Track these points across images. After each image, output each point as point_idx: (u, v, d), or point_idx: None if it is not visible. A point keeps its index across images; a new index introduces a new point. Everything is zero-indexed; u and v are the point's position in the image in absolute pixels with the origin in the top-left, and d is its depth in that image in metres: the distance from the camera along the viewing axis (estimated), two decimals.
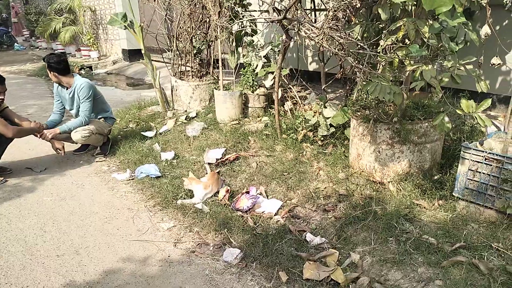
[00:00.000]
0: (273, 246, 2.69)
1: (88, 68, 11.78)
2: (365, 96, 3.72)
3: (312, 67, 6.30)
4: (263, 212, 3.15)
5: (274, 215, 3.11)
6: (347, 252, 2.59)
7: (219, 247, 2.79)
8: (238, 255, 2.65)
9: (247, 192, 3.43)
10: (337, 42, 3.13)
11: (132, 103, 6.49)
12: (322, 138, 4.28)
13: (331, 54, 4.64)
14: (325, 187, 3.31)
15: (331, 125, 4.35)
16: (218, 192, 3.45)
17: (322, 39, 3.18)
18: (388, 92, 2.72)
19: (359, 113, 3.45)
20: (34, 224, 3.14)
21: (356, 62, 3.12)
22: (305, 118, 4.45)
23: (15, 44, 19.27)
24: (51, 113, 4.82)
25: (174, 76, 6.03)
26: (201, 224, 3.04)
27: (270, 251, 2.64)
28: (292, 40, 3.96)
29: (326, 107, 4.44)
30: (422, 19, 2.71)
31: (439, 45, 2.64)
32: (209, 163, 4.10)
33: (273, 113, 5.11)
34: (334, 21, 2.94)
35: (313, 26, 3.06)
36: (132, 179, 3.98)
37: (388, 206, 2.90)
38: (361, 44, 2.91)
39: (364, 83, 2.98)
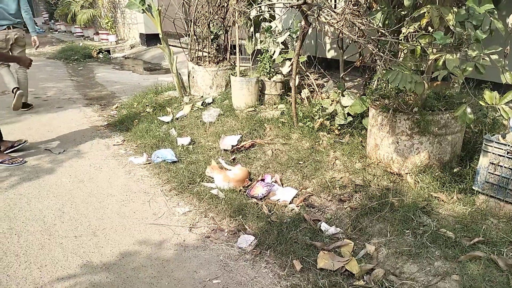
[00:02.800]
0: (287, 234, 2.69)
1: (106, 52, 11.85)
2: (384, 85, 3.66)
3: (330, 54, 6.21)
4: (278, 200, 3.14)
5: (289, 204, 3.10)
6: (362, 243, 2.57)
7: (234, 233, 2.80)
8: (252, 242, 2.66)
9: (262, 180, 3.43)
10: (357, 29, 3.06)
11: (149, 88, 6.51)
12: (339, 127, 4.23)
13: (350, 42, 4.56)
14: (341, 177, 3.28)
15: (348, 114, 4.30)
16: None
17: (342, 25, 3.12)
18: (409, 81, 2.66)
19: (378, 103, 3.39)
20: (53, 205, 3.20)
21: (377, 49, 3.05)
22: (322, 106, 4.40)
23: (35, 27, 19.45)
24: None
25: (191, 61, 6.01)
26: (216, 210, 3.05)
27: (285, 239, 2.64)
28: (310, 26, 3.90)
29: (344, 96, 4.38)
30: (447, 6, 2.63)
31: (465, 33, 2.55)
32: (224, 150, 4.10)
33: (289, 101, 5.07)
34: (355, 7, 2.87)
35: (333, 11, 2.99)
36: (148, 163, 4.02)
37: (406, 198, 2.86)
38: (383, 31, 2.84)
39: (384, 71, 2.92)
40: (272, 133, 4.38)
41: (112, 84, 7.88)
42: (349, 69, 4.56)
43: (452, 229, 2.53)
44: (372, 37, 3.02)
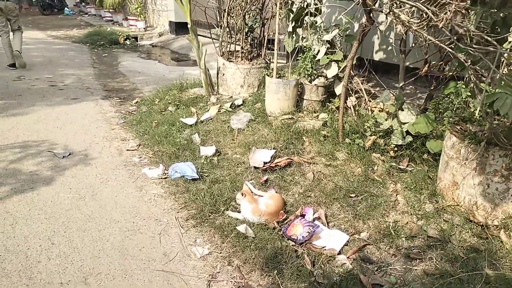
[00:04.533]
0: None
1: (133, 39, 11.32)
2: (461, 102, 2.88)
3: (378, 56, 5.41)
4: (323, 248, 2.44)
5: (338, 254, 2.39)
6: None
7: None
8: None
9: (302, 216, 2.73)
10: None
11: (173, 83, 5.86)
12: (395, 148, 3.48)
13: (413, 44, 3.78)
14: (407, 222, 2.54)
15: (407, 133, 3.54)
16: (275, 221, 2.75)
17: (423, 27, 2.36)
18: None
19: (458, 127, 2.62)
20: (42, 232, 2.59)
21: (469, 63, 2.29)
22: (376, 121, 3.65)
23: (65, 8, 19.21)
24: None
25: (221, 56, 5.33)
26: (244, 255, 2.37)
27: None
28: (373, 24, 3.14)
29: (403, 110, 3.62)
30: None
31: None
32: (255, 167, 3.41)
33: (333, 109, 4.34)
34: (462, 3, 2.10)
35: (417, 5, 2.23)
36: (164, 178, 3.37)
37: (503, 267, 2.10)
38: (486, 37, 2.07)
39: (485, 92, 2.15)
40: (312, 148, 3.66)
41: (135, 74, 7.30)
42: (412, 78, 3.76)
43: None
44: (465, 43, 2.25)
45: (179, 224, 2.71)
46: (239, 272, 2.27)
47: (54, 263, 2.30)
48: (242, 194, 2.82)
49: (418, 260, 2.26)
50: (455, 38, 2.28)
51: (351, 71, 4.37)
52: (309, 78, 4.47)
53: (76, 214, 2.80)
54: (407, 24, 2.42)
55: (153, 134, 4.20)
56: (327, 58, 4.34)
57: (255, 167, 3.41)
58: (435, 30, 2.83)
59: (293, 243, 2.50)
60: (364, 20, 3.05)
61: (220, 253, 2.43)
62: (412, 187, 2.83)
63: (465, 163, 2.46)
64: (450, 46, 2.39)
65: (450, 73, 3.55)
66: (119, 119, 4.88)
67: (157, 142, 4.01)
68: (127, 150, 3.95)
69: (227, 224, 2.65)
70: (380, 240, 2.45)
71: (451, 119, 2.68)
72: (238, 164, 3.54)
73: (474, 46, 2.10)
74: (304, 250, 2.42)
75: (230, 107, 4.84)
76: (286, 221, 2.74)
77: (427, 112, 3.35)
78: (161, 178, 3.38)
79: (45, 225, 2.65)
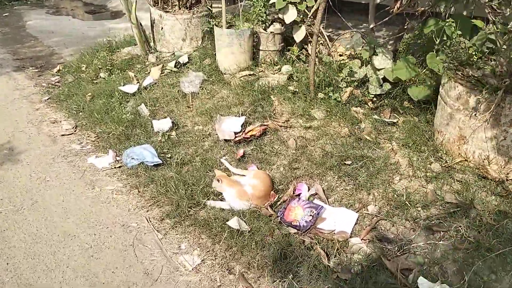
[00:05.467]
0: None
1: None
2: (458, 46, 2.56)
3: None
4: (332, 232, 2.10)
5: (350, 237, 2.07)
6: None
7: None
8: None
9: (297, 195, 2.35)
10: None
11: (98, 42, 4.98)
12: (373, 99, 3.17)
13: None
14: (417, 187, 2.26)
15: (383, 80, 3.23)
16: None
17: None
18: None
19: (459, 74, 2.32)
20: None
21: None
22: (351, 70, 3.28)
23: None
24: None
25: (154, 6, 4.53)
26: (245, 258, 1.97)
27: None
28: None
29: (377, 55, 3.27)
30: None
31: None
32: (225, 140, 2.93)
33: (292, 59, 3.89)
34: None
35: None
36: (119, 166, 2.79)
37: None
38: None
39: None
40: (283, 109, 3.23)
41: (49, 35, 6.17)
42: (384, 18, 3.37)
43: None
44: None
45: (153, 228, 2.21)
46: (244, 282, 1.87)
47: None
48: (218, 180, 2.36)
49: (442, 233, 2.01)
50: None
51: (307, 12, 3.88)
52: (263, 25, 3.94)
53: (16, 234, 2.18)
54: None
55: (90, 110, 3.49)
56: (283, 0, 3.79)
57: (225, 140, 2.93)
58: None
59: (296, 231, 2.13)
60: None
61: (215, 258, 2.00)
62: (410, 144, 2.54)
63: (475, 114, 2.18)
64: None
65: (423, 9, 3.21)
66: (42, 94, 4.05)
67: (97, 121, 3.33)
68: (62, 135, 3.25)
69: (212, 218, 2.21)
70: (393, 213, 2.15)
71: (450, 64, 2.36)
72: (203, 138, 3.03)
73: None
74: (312, 238, 2.07)
75: (175, 66, 4.19)
76: (279, 202, 2.35)
77: (409, 57, 3.02)
78: (114, 167, 2.79)
79: None
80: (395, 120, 2.90)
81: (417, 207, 2.15)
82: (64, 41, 5.83)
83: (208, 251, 2.04)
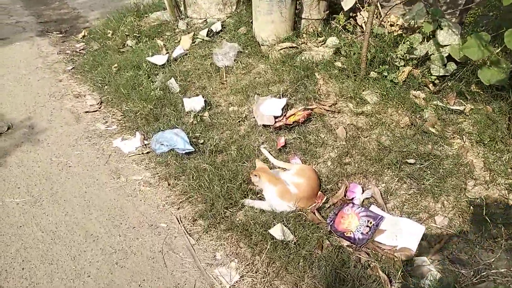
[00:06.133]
0: None
1: None
2: None
3: None
4: (394, 248, 1.78)
5: (415, 255, 1.75)
6: None
7: None
8: None
9: (351, 200, 2.02)
10: None
11: (125, 5, 4.63)
12: (436, 80, 2.74)
13: None
14: (497, 196, 1.89)
15: (448, 59, 2.78)
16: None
17: None
18: None
19: None
20: None
21: None
22: (411, 45, 2.83)
23: None
24: None
25: None
26: (291, 277, 1.69)
27: None
28: None
29: (441, 28, 2.80)
30: None
31: None
32: (264, 125, 2.60)
33: (338, 30, 3.44)
34: None
35: None
36: (147, 152, 2.52)
37: None
38: None
39: None
40: (329, 89, 2.85)
41: None
42: None
43: None
44: None
45: (185, 231, 1.95)
46: None
47: None
48: (256, 175, 2.05)
49: None
50: None
51: None
52: None
53: (33, 232, 1.96)
54: None
55: (116, 84, 3.21)
56: None
57: (264, 126, 2.60)
58: None
59: (347, 243, 1.83)
60: None
61: (256, 275, 1.72)
62: (486, 141, 2.14)
63: None
64: None
65: None
66: (66, 63, 3.79)
67: (124, 97, 3.05)
68: (86, 112, 2.99)
69: (252, 222, 1.92)
70: (467, 228, 1.81)
71: None
72: (238, 121, 2.71)
73: None
74: (368, 254, 1.75)
75: (207, 35, 3.82)
76: (328, 206, 2.03)
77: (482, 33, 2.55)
78: (142, 153, 2.52)
79: None
80: (461, 108, 2.49)
81: (497, 223, 1.79)
82: (90, 2, 5.51)
83: (247, 264, 1.76)
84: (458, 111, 2.46)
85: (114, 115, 2.93)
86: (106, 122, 2.86)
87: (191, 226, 1.97)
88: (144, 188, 2.23)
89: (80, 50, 4.09)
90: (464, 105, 2.52)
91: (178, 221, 2.00)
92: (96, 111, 2.99)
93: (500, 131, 2.19)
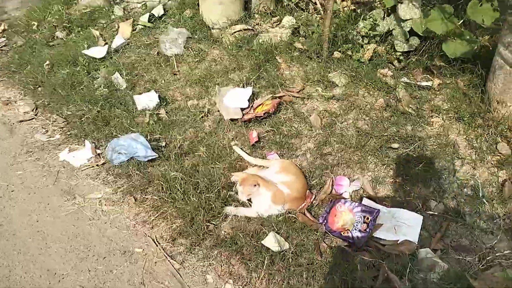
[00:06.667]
0: None
1: None
2: None
3: None
4: (395, 241, 1.68)
5: (418, 248, 1.66)
6: None
7: None
8: None
9: (341, 196, 1.89)
10: None
11: None
12: (400, 57, 2.66)
13: None
14: (487, 175, 1.85)
15: (410, 33, 2.70)
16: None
17: None
18: None
19: None
20: None
21: None
22: (374, 22, 2.72)
23: None
24: None
25: None
26: None
27: None
28: None
29: (401, 2, 2.71)
30: None
31: None
32: (231, 120, 2.38)
33: (289, 7, 3.27)
34: None
35: None
36: (102, 164, 2.20)
37: None
38: None
39: None
40: (293, 73, 2.68)
41: None
42: None
43: None
44: None
45: (165, 253, 1.71)
46: None
47: None
48: (256, 185, 1.81)
49: None
50: None
51: None
52: None
53: None
54: None
55: (52, 85, 2.80)
56: None
57: (231, 120, 2.38)
58: None
59: (347, 243, 1.70)
60: None
61: None
62: (465, 118, 2.09)
63: None
64: None
65: None
66: None
67: (63, 100, 2.66)
68: (20, 121, 2.58)
69: (240, 234, 1.73)
70: (463, 212, 1.75)
71: None
72: (201, 116, 2.47)
73: None
74: (372, 254, 1.64)
75: (149, 20, 3.47)
76: (316, 203, 1.89)
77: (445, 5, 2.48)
78: (96, 165, 2.20)
79: None
80: (429, 83, 2.43)
81: (492, 202, 1.75)
82: None
83: (245, 284, 1.58)
84: (428, 87, 2.40)
85: (54, 122, 2.55)
86: (47, 131, 2.48)
87: (171, 247, 1.74)
88: (107, 208, 1.94)
89: (2, 47, 3.55)
90: (432, 80, 2.47)
91: (155, 242, 1.75)
92: (32, 119, 2.59)
93: (474, 105, 2.15)
